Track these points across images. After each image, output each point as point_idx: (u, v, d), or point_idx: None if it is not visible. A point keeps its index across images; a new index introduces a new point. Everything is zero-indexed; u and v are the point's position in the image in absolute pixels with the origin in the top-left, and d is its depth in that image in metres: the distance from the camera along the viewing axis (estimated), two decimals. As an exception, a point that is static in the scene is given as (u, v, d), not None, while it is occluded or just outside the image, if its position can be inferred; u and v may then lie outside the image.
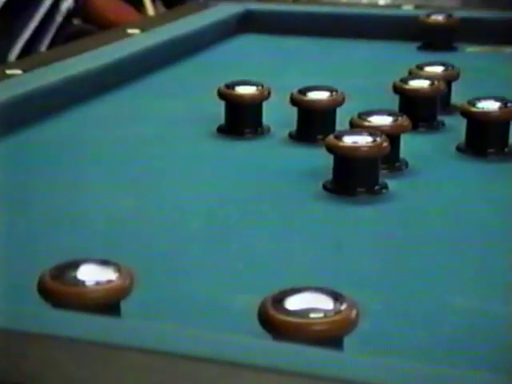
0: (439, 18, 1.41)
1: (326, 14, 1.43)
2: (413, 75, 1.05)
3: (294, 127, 0.98)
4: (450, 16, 1.42)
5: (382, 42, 1.42)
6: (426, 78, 1.01)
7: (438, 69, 1.08)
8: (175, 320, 0.58)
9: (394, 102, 1.00)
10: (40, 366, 0.43)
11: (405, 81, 1.00)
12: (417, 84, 0.99)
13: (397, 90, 1.00)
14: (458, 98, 1.05)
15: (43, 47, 2.03)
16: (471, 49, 1.39)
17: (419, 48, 1.40)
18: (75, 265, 0.53)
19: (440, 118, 1.02)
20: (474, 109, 0.92)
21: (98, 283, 0.51)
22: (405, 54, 1.37)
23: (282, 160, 0.92)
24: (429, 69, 1.08)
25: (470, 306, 0.61)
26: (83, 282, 0.51)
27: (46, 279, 0.51)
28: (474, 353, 0.54)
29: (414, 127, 0.91)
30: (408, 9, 1.51)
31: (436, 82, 1.00)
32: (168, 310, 0.60)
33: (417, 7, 1.52)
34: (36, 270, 0.55)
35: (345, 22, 1.47)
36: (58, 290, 0.51)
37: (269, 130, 1.00)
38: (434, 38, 1.40)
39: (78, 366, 0.43)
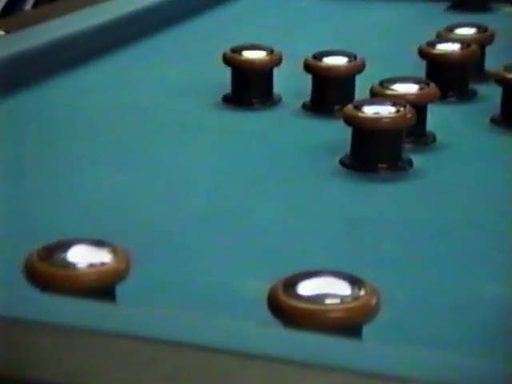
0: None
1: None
2: (441, 38, 1.05)
3: (307, 97, 0.98)
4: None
5: (406, 0, 1.41)
6: (457, 41, 1.01)
7: (470, 31, 1.07)
8: (176, 307, 0.58)
9: (420, 68, 0.99)
10: (28, 353, 0.43)
11: (432, 44, 1.00)
12: (446, 48, 0.99)
13: (423, 54, 0.99)
14: (492, 63, 1.05)
15: (28, 5, 2.02)
16: (509, 8, 1.38)
17: (449, 8, 1.40)
18: (65, 245, 0.53)
19: (472, 86, 1.02)
20: (510, 76, 0.91)
21: (90, 265, 0.52)
22: (432, 14, 1.36)
23: (295, 133, 0.93)
24: (459, 31, 1.08)
25: (502, 294, 0.62)
26: (74, 264, 0.52)
27: (34, 261, 0.52)
28: (507, 343, 0.55)
29: (443, 96, 0.91)
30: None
31: (468, 46, 0.99)
32: (168, 295, 0.60)
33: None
34: (21, 250, 0.56)
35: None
36: (47, 272, 0.51)
37: (280, 99, 1.00)
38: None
39: (69, 354, 0.43)
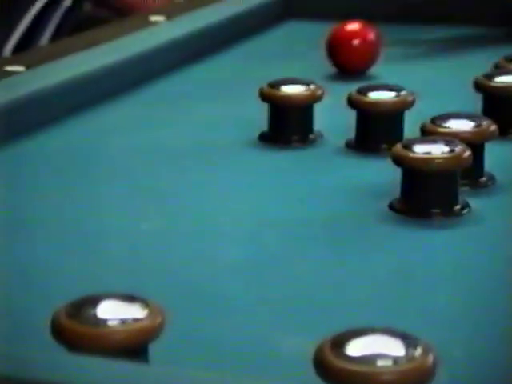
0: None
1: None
2: (500, 69, 1.06)
3: (351, 134, 0.99)
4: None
5: (461, 27, 1.43)
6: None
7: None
8: (212, 366, 0.59)
9: (476, 102, 1.00)
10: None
11: (490, 76, 1.01)
12: (505, 80, 1.00)
13: (480, 87, 1.00)
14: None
15: (46, 37, 2.07)
16: None
17: (508, 35, 1.41)
18: (95, 301, 0.54)
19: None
20: None
21: (122, 322, 0.53)
22: (490, 42, 1.37)
23: (338, 174, 0.94)
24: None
25: None
26: (105, 322, 0.53)
27: (61, 318, 0.53)
28: None
29: (502, 133, 0.91)
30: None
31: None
32: (203, 354, 0.61)
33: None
34: (46, 306, 0.57)
35: (412, 5, 1.47)
36: (75, 330, 0.52)
37: (321, 137, 1.01)
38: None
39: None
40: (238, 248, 0.78)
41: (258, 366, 0.60)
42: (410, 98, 0.97)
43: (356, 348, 0.50)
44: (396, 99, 0.97)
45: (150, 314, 0.53)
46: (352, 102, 0.97)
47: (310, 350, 0.51)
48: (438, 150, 0.81)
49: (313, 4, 1.52)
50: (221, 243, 0.79)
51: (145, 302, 0.54)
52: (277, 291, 0.70)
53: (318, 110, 1.01)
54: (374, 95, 0.97)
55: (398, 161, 0.81)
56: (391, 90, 0.98)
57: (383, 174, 0.87)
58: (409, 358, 0.49)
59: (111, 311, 0.54)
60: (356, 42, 1.22)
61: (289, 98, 1.00)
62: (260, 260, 0.76)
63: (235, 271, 0.74)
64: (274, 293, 0.70)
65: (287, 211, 0.85)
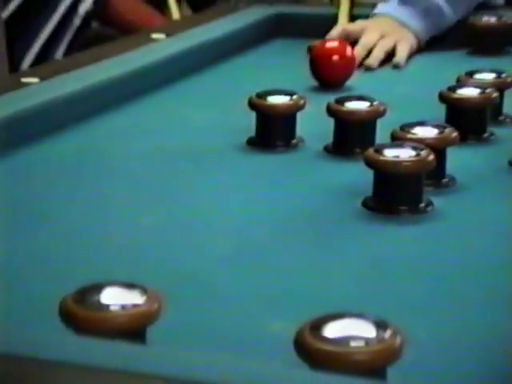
0: (491, 20, 1.41)
1: (366, 16, 1.44)
2: (461, 83, 1.06)
3: (330, 140, 0.99)
4: (501, 17, 1.42)
5: (428, 46, 1.43)
6: (476, 86, 1.02)
7: (490, 76, 1.08)
8: (204, 347, 0.59)
9: (440, 112, 1.00)
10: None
11: (452, 89, 1.00)
12: (466, 93, 1.00)
13: (443, 99, 1.00)
14: (510, 107, 1.05)
15: (60, 52, 2.06)
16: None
17: (468, 53, 1.41)
18: (99, 288, 0.54)
19: (491, 129, 1.02)
20: (528, 120, 0.92)
21: (123, 307, 0.52)
22: (453, 60, 1.37)
23: (317, 175, 0.93)
24: (479, 76, 1.08)
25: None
26: (107, 307, 0.53)
27: (69, 303, 0.53)
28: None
29: (462, 139, 0.91)
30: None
31: (487, 91, 1.00)
32: (196, 336, 0.61)
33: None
34: (55, 292, 0.57)
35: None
36: (82, 314, 0.52)
37: (303, 142, 1.01)
38: (485, 42, 1.40)
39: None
40: (228, 241, 0.78)
41: (245, 347, 0.60)
42: (381, 108, 0.97)
43: (332, 331, 0.50)
44: (369, 109, 0.96)
45: (148, 300, 0.53)
46: (330, 111, 0.97)
47: (293, 333, 0.51)
48: (406, 154, 0.81)
49: (297, 24, 1.52)
50: (212, 237, 0.78)
51: (143, 289, 0.54)
52: (263, 280, 0.70)
53: (300, 117, 1.01)
54: (350, 105, 0.97)
55: (371, 163, 0.81)
56: (365, 100, 0.97)
57: (357, 175, 0.87)
58: (379, 339, 0.49)
59: (113, 297, 0.53)
60: (335, 57, 1.22)
61: (274, 107, 1.00)
62: (248, 252, 0.75)
63: (225, 262, 0.74)
64: (260, 282, 0.70)
65: (272, 209, 0.85)
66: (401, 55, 1.35)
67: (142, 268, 0.71)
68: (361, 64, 1.32)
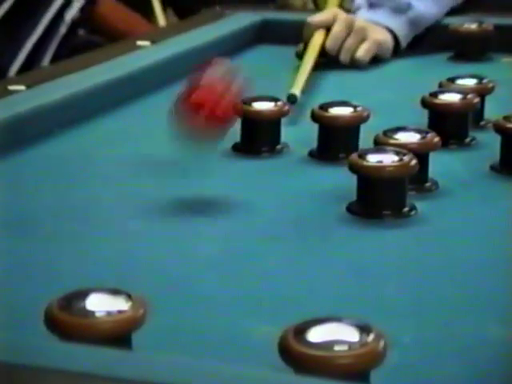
0: (472, 26, 1.42)
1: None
2: (443, 88, 1.06)
3: (314, 145, 0.99)
4: (482, 23, 1.42)
5: (410, 52, 1.43)
6: (458, 91, 1.02)
7: (471, 82, 1.08)
8: (190, 352, 0.58)
9: (422, 117, 1.00)
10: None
11: (434, 95, 1.01)
12: (447, 98, 1.00)
13: (426, 104, 1.00)
14: (491, 113, 1.05)
15: (46, 60, 2.05)
16: (507, 59, 1.40)
17: (451, 58, 1.41)
18: (84, 294, 0.54)
19: (472, 134, 1.02)
20: (509, 125, 0.92)
21: (108, 314, 0.52)
22: (434, 65, 1.38)
23: (302, 180, 0.93)
24: (460, 81, 1.09)
25: (510, 336, 0.62)
26: (93, 313, 0.52)
27: (54, 310, 0.52)
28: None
29: (444, 145, 0.91)
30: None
31: (468, 96, 1.00)
32: (182, 341, 0.61)
33: (447, 15, 1.53)
34: (41, 298, 0.56)
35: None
36: (67, 321, 0.52)
37: (287, 148, 1.01)
38: (466, 48, 1.41)
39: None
40: (213, 247, 0.77)
41: (231, 352, 0.59)
42: (365, 114, 0.97)
43: (316, 335, 0.50)
44: (353, 114, 0.96)
45: (133, 306, 0.53)
46: (315, 117, 0.97)
47: (277, 338, 0.51)
48: (389, 159, 0.81)
49: (282, 30, 1.52)
50: (199, 241, 0.78)
51: (128, 295, 0.54)
52: (248, 285, 0.70)
53: (285, 123, 1.01)
54: (334, 111, 0.97)
55: (354, 168, 0.81)
56: (349, 106, 0.98)
57: (341, 180, 0.87)
58: (362, 343, 0.49)
59: (98, 304, 0.53)
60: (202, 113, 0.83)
61: (259, 113, 1.00)
62: (233, 257, 0.75)
63: (212, 267, 0.74)
64: (245, 286, 0.70)
65: (257, 213, 0.85)
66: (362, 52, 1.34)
67: (127, 274, 0.71)
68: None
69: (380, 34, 1.38)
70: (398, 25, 1.39)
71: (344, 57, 1.34)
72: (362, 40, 1.36)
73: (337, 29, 1.35)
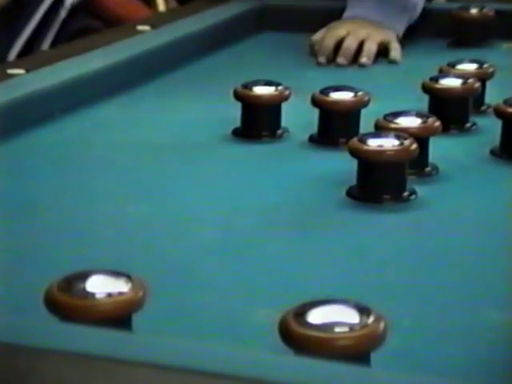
0: (473, 11, 1.41)
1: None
2: (444, 73, 1.06)
3: (314, 130, 0.99)
4: (483, 9, 1.42)
5: (411, 37, 1.42)
6: (458, 76, 1.02)
7: (471, 66, 1.08)
8: (190, 335, 0.58)
9: (423, 102, 1.00)
10: (45, 381, 0.44)
11: (435, 80, 1.00)
12: (448, 83, 1.00)
13: (426, 89, 1.00)
14: (492, 98, 1.05)
15: (46, 44, 2.05)
16: (507, 45, 1.39)
17: (450, 44, 1.41)
18: (84, 276, 0.54)
19: (473, 119, 1.02)
20: (510, 109, 0.92)
21: (108, 295, 0.52)
22: (435, 50, 1.37)
23: (303, 165, 0.93)
24: (461, 67, 1.08)
25: (508, 321, 0.62)
26: (93, 295, 0.52)
27: (54, 291, 0.52)
28: (509, 369, 0.55)
29: (445, 129, 0.91)
30: (440, 2, 1.52)
31: (469, 81, 1.00)
32: (182, 323, 0.61)
33: (449, 0, 1.53)
34: (42, 281, 0.56)
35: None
36: (67, 302, 0.52)
37: (288, 132, 1.01)
38: (466, 34, 1.41)
39: (86, 382, 0.43)
40: (214, 230, 0.77)
41: (231, 334, 0.60)
42: (365, 98, 0.97)
43: (316, 317, 0.50)
44: (353, 99, 0.96)
45: (133, 288, 0.53)
46: (315, 101, 0.97)
47: (278, 320, 0.51)
48: (389, 143, 0.81)
49: (283, 18, 1.51)
50: (199, 226, 0.78)
51: (128, 277, 0.54)
52: (249, 268, 0.70)
53: (285, 108, 1.00)
54: (335, 95, 0.96)
55: (355, 153, 0.81)
56: (349, 90, 0.97)
57: (342, 164, 0.87)
58: (362, 325, 0.49)
59: (99, 285, 0.53)
60: None
61: (259, 98, 0.99)
62: (233, 241, 0.75)
63: (212, 251, 0.74)
64: (246, 270, 0.70)
65: (258, 198, 0.85)
66: (396, 53, 1.33)
67: (128, 257, 0.71)
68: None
69: (392, 34, 1.36)
70: (395, 20, 1.37)
71: (341, 60, 1.31)
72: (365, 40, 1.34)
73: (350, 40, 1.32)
